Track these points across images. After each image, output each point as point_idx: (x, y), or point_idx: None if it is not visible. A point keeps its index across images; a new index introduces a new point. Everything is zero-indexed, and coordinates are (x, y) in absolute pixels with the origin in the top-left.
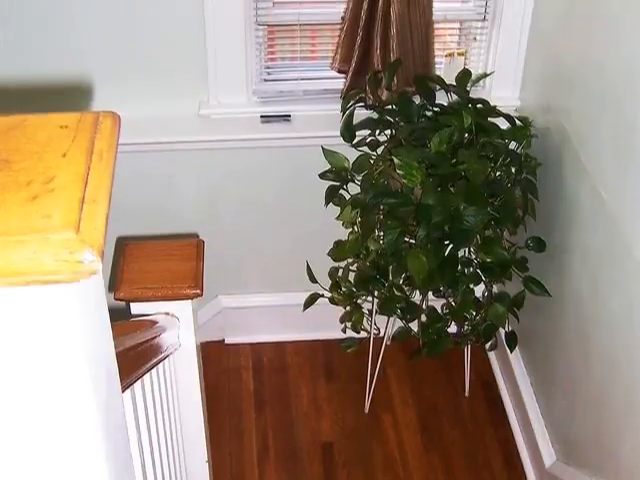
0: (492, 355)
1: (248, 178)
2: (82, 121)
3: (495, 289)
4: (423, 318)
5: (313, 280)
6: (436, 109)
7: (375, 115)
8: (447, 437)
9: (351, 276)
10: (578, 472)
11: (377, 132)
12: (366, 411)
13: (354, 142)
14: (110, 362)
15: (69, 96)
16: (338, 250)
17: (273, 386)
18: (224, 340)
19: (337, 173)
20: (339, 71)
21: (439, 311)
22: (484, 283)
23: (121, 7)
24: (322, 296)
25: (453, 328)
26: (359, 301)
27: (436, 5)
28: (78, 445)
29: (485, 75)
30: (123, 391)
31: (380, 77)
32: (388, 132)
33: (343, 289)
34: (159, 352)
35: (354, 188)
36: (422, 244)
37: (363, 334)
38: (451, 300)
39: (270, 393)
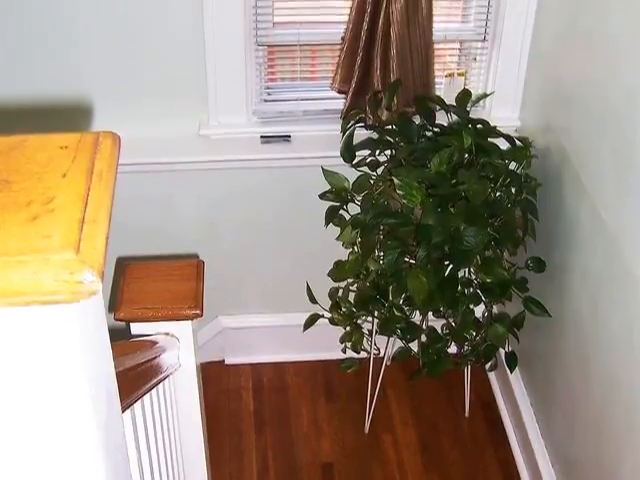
0: (492, 375)
1: (248, 198)
2: (82, 141)
3: (495, 309)
4: (423, 338)
5: (313, 300)
6: (436, 129)
7: (375, 135)
8: (447, 457)
9: (351, 296)
10: None
11: (377, 152)
12: (366, 431)
13: (354, 162)
14: (110, 382)
15: (69, 116)
16: (338, 270)
17: (273, 406)
18: (224, 360)
19: (337, 193)
20: (339, 91)
21: (439, 331)
22: (484, 303)
23: (121, 28)
24: (322, 316)
25: (453, 348)
26: (359, 321)
27: (436, 25)
28: (78, 465)
29: (485, 95)
30: (123, 411)
31: (380, 97)
32: (388, 152)
33: (343, 309)
34: (159, 372)
35: (354, 208)
36: (422, 264)
37: (363, 354)
38: (451, 320)
39: (270, 413)
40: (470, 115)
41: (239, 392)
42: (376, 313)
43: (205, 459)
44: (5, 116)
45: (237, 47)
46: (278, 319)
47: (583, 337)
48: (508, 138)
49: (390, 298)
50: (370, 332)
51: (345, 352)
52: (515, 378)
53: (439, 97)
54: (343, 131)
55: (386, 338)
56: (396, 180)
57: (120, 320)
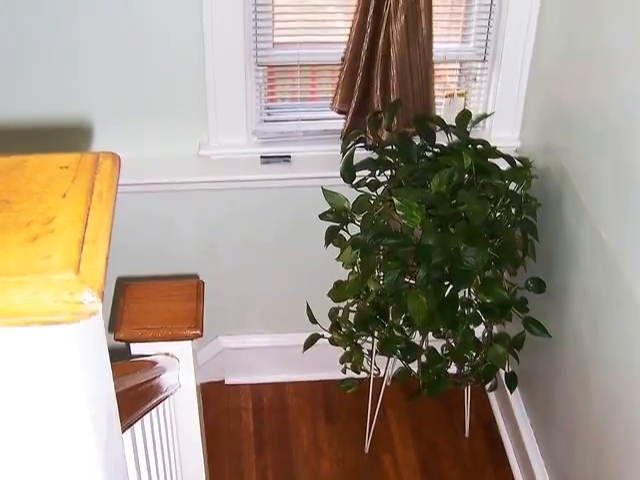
0: (492, 396)
1: (248, 219)
2: (82, 162)
3: (495, 330)
4: (423, 359)
5: (313, 321)
6: (436, 150)
7: (375, 156)
8: (447, 477)
9: (351, 317)
10: None
11: (377, 173)
12: (366, 451)
13: (354, 183)
14: (110, 402)
15: (69, 136)
16: (338, 291)
17: (273, 426)
18: (224, 381)
19: (337, 214)
20: (339, 112)
21: (439, 352)
22: (484, 324)
23: (121, 48)
24: (322, 337)
25: (453, 369)
26: (359, 341)
27: (436, 46)
28: None
29: (485, 116)
30: (123, 431)
31: (380, 118)
32: (388, 173)
33: (343, 329)
34: (159, 393)
35: (354, 229)
36: (422, 285)
37: (363, 374)
38: (451, 341)
39: (270, 433)
40: (470, 135)
41: (239, 412)
42: (376, 333)
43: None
44: (5, 136)
45: (237, 67)
46: (278, 339)
47: (583, 357)
48: (508, 158)
49: (390, 318)
50: (370, 352)
51: (345, 372)
52: (515, 398)
53: (439, 117)
54: (343, 151)
55: (386, 358)
56: (396, 200)
57: (120, 340)
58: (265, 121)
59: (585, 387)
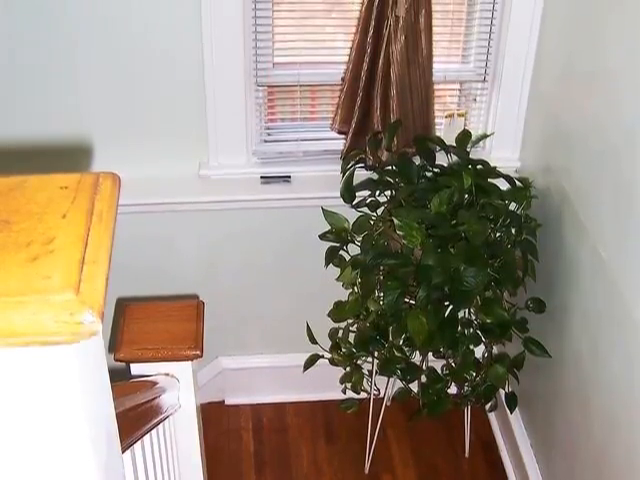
0: (492, 416)
1: (248, 239)
2: (82, 182)
3: (495, 350)
4: (423, 379)
5: (313, 341)
6: (436, 170)
7: (375, 176)
8: None
9: (351, 337)
10: None
11: (377, 193)
12: (366, 472)
13: (354, 203)
14: (110, 423)
15: (69, 157)
16: (338, 311)
17: (273, 447)
18: (224, 401)
19: (337, 234)
20: (339, 132)
21: (439, 372)
22: (484, 344)
23: (122, 69)
24: (322, 357)
25: (453, 389)
26: (359, 362)
27: (436, 66)
28: None
29: (485, 136)
30: (123, 452)
31: (380, 138)
32: (388, 193)
33: (343, 350)
34: (159, 413)
35: (354, 249)
36: (422, 305)
37: (363, 395)
38: (451, 361)
39: (270, 454)
40: (470, 156)
41: (239, 432)
42: (376, 354)
43: None
44: (5, 156)
45: (237, 88)
46: (278, 359)
47: (583, 378)
48: (508, 179)
49: (390, 339)
50: (370, 373)
51: (345, 392)
52: (515, 419)
53: (439, 138)
54: (343, 172)
55: (386, 379)
56: (396, 221)
57: (120, 361)
58: (265, 141)
59: (585, 408)
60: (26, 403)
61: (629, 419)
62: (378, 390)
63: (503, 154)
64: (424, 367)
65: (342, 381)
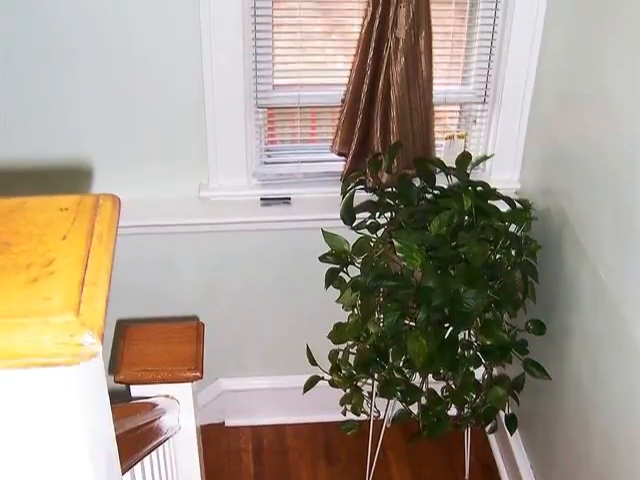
0: (492, 438)
1: (248, 260)
2: (82, 203)
3: (495, 372)
4: (423, 401)
5: (313, 363)
6: (436, 192)
7: (375, 198)
8: None
9: (351, 359)
10: None
11: (377, 215)
12: None
13: (354, 225)
14: (110, 444)
15: (70, 178)
16: (338, 333)
17: (273, 469)
18: (224, 422)
19: (337, 256)
20: (339, 154)
21: (439, 394)
22: (484, 366)
23: (121, 90)
24: (322, 379)
25: (453, 411)
26: (359, 384)
27: (436, 88)
28: None
29: (485, 158)
30: (123, 473)
31: (380, 159)
32: (388, 215)
33: (343, 372)
34: (159, 434)
35: (354, 271)
36: (422, 327)
37: (363, 416)
38: (451, 383)
39: (270, 476)
40: (470, 177)
41: (239, 454)
42: (376, 375)
43: None
44: (5, 178)
45: (237, 109)
46: (278, 381)
47: (583, 400)
48: (508, 200)
49: (390, 360)
50: (370, 394)
51: (345, 414)
52: (515, 440)
53: (439, 159)
54: (343, 193)
55: (386, 400)
56: (396, 242)
57: (120, 382)
58: (265, 163)
59: (585, 429)
60: (26, 424)
61: (629, 440)
62: (378, 412)
63: (503, 176)
64: (424, 389)
65: (342, 403)
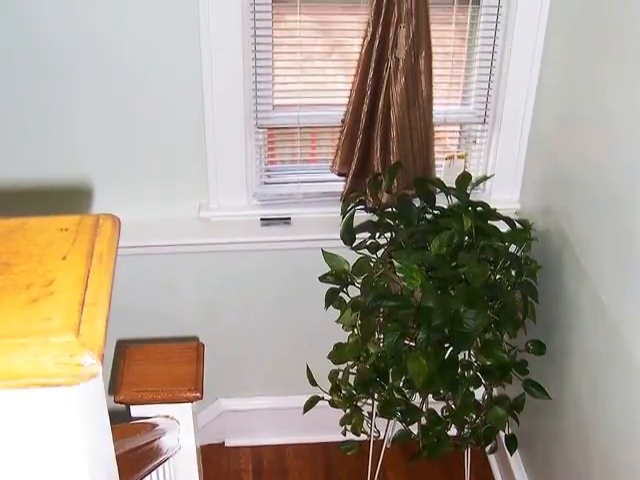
0: (492, 458)
1: (248, 281)
2: (82, 224)
3: (495, 392)
4: (423, 421)
5: (313, 383)
6: (436, 212)
7: (375, 218)
8: None
9: (351, 379)
10: None
11: (377, 235)
12: None
13: (354, 245)
14: (110, 465)
15: (69, 198)
16: (338, 353)
17: None
18: (224, 443)
19: (337, 276)
20: (339, 174)
21: (439, 414)
22: (484, 386)
23: (122, 111)
24: (322, 399)
25: (453, 431)
26: (359, 404)
27: (436, 108)
28: None
29: (485, 178)
30: None
31: (380, 180)
32: (388, 235)
33: (343, 392)
34: (159, 455)
35: (354, 291)
36: (422, 347)
37: (363, 437)
38: (451, 403)
39: None
40: (470, 197)
41: (239, 474)
42: (376, 396)
43: None
44: (5, 198)
45: (237, 130)
46: (278, 401)
47: (583, 420)
48: (508, 221)
49: (390, 380)
50: (370, 414)
51: (345, 434)
52: (515, 460)
53: (439, 179)
54: (343, 214)
55: (386, 420)
56: (396, 262)
57: (120, 403)
58: (265, 183)
59: (585, 450)
60: (27, 445)
61: (629, 461)
62: (378, 432)
63: (503, 196)
64: (424, 409)
65: (342, 423)
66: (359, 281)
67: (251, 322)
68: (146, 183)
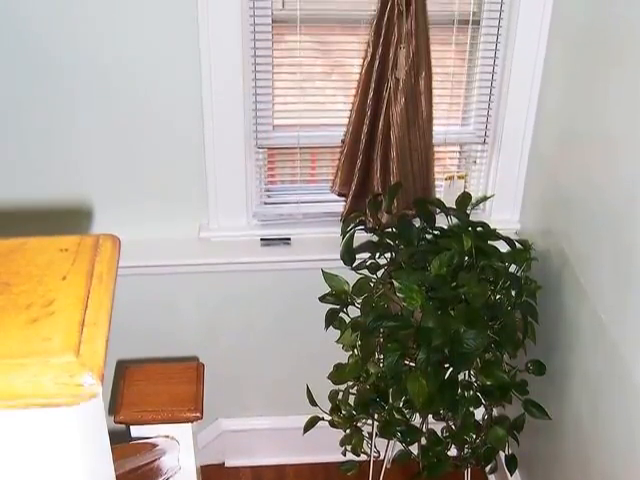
0: (492, 478)
1: (248, 301)
2: (82, 244)
3: (495, 412)
4: (423, 441)
5: (313, 403)
6: (436, 232)
7: (375, 238)
8: None
9: (351, 399)
10: None
11: (377, 255)
12: None
13: (354, 265)
14: None
15: (69, 219)
16: (338, 373)
17: None
18: (224, 463)
19: (337, 296)
20: (339, 194)
21: (439, 434)
22: (484, 406)
23: (122, 132)
24: (322, 419)
25: (453, 451)
26: (359, 424)
27: (436, 128)
28: None
29: (485, 198)
30: None
31: (380, 200)
32: (388, 255)
33: (343, 412)
34: (159, 475)
35: (354, 311)
36: (422, 367)
37: (363, 457)
38: (451, 423)
39: None
40: (470, 218)
41: None
42: (376, 416)
43: None
44: (5, 218)
45: (237, 150)
46: (278, 421)
47: (583, 440)
48: (508, 241)
49: (390, 401)
50: (370, 435)
51: (345, 455)
52: None
53: (439, 200)
54: (343, 234)
55: (386, 441)
56: (396, 283)
57: (120, 423)
58: (265, 203)
59: (585, 470)
60: (27, 465)
61: None
62: (378, 452)
63: (503, 216)
64: (424, 429)
65: (342, 443)
66: (359, 301)
67: (251, 342)
68: (146, 203)
